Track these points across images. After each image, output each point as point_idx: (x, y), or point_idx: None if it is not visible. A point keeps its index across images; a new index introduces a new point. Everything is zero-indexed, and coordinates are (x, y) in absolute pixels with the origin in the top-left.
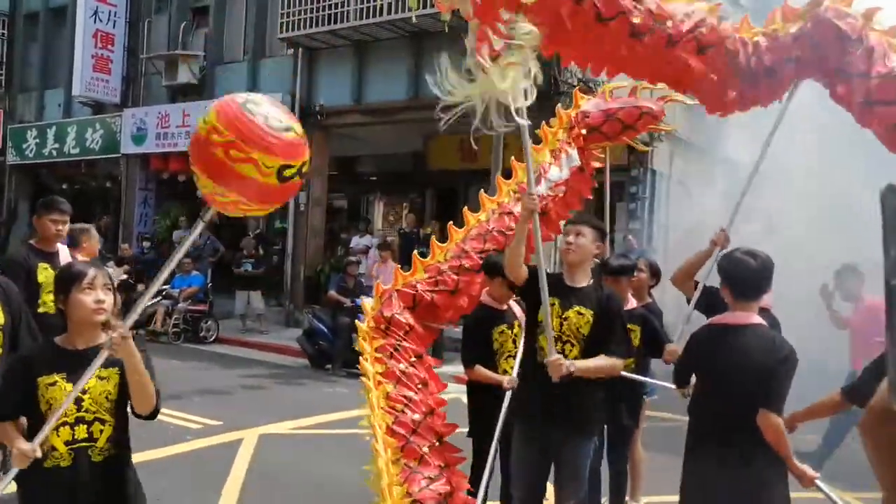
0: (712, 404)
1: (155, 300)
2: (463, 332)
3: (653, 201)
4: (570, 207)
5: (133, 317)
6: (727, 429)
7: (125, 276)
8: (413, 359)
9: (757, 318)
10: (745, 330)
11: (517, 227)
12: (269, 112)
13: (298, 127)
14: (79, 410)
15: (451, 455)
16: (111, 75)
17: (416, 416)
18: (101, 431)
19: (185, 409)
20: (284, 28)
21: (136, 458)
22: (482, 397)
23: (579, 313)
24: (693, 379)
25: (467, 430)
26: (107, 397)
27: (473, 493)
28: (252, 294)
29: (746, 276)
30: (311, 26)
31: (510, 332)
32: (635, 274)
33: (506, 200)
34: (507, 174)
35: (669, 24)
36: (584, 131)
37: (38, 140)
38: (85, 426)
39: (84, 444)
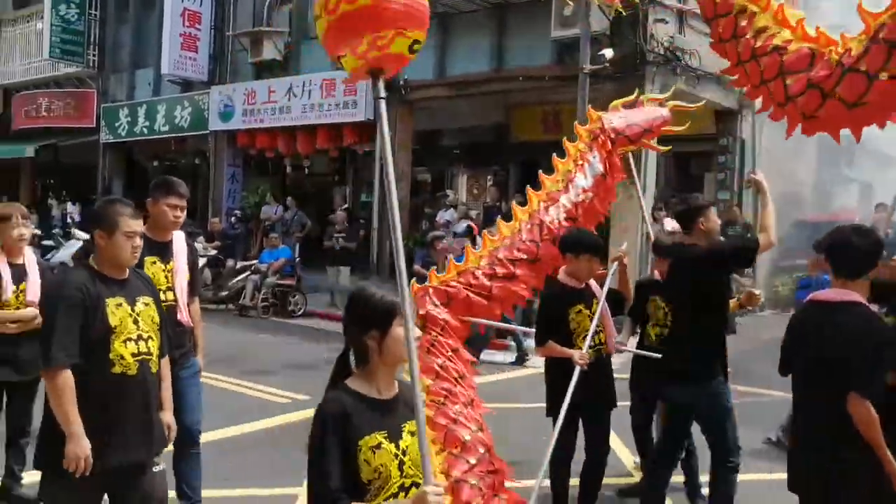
0: (814, 385)
1: (244, 275)
2: (538, 308)
3: (742, 171)
4: (597, 213)
5: None
6: (824, 412)
7: (214, 252)
8: (449, 353)
9: (857, 297)
10: (848, 308)
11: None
12: None
13: None
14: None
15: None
16: (198, 53)
17: (457, 407)
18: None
19: (272, 383)
20: None
21: (222, 434)
22: (557, 375)
23: None
24: None
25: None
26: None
27: None
28: (342, 269)
29: (853, 255)
30: None
31: (587, 311)
32: None
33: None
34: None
35: None
36: (612, 136)
37: (129, 119)
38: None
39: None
